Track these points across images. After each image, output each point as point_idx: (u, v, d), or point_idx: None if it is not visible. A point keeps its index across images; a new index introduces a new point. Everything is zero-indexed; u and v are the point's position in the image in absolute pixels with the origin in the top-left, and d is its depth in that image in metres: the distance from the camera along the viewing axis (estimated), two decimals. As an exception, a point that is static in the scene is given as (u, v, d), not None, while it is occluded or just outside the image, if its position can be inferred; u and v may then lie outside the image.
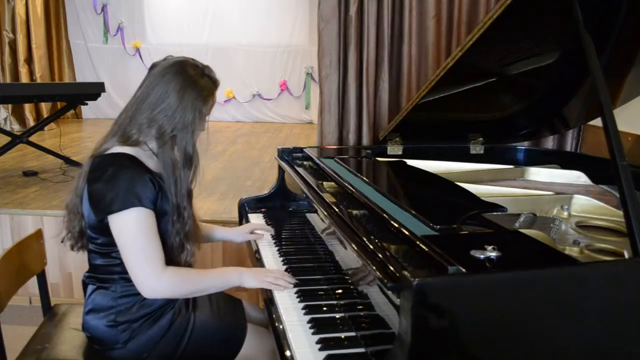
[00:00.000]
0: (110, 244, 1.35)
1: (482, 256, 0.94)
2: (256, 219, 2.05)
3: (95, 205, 1.32)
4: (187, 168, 1.39)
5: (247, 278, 1.42)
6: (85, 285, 1.45)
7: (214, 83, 1.44)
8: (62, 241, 1.47)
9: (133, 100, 1.41)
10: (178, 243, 1.39)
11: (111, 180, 1.29)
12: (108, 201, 1.28)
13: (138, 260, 1.29)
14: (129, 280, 1.34)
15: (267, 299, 1.41)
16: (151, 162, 1.39)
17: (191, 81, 1.37)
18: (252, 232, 1.80)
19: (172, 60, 1.41)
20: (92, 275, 1.42)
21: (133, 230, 1.29)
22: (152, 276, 1.30)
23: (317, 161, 1.91)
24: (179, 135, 1.37)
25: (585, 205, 1.62)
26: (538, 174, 2.01)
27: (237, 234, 1.80)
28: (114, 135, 1.40)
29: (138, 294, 1.34)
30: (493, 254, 0.94)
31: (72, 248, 1.47)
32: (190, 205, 1.44)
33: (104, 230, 1.33)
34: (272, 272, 1.45)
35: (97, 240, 1.38)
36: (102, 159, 1.36)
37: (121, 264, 1.34)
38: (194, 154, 1.40)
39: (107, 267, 1.39)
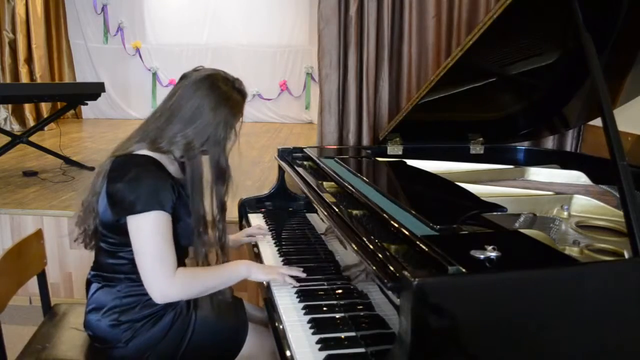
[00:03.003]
0: (121, 244, 1.35)
1: (482, 256, 0.94)
2: (256, 219, 2.05)
3: (115, 204, 1.32)
4: (221, 182, 1.42)
5: (256, 271, 1.43)
6: (89, 284, 1.45)
7: (243, 97, 1.45)
8: (75, 240, 1.48)
9: (163, 109, 1.40)
10: (204, 254, 1.41)
11: (134, 181, 1.30)
12: (130, 202, 1.28)
13: (153, 263, 1.29)
14: (134, 280, 1.34)
15: (267, 299, 1.41)
16: (172, 168, 1.42)
17: (224, 97, 1.37)
18: (247, 236, 1.81)
19: (204, 73, 1.40)
20: (98, 274, 1.42)
21: (151, 233, 1.29)
22: (163, 280, 1.30)
23: (317, 161, 1.91)
24: (210, 150, 1.38)
25: (585, 205, 1.62)
26: (538, 174, 2.01)
27: (233, 242, 1.73)
28: (141, 141, 1.40)
29: (142, 294, 1.35)
30: (493, 254, 0.94)
31: (85, 247, 1.48)
32: (224, 218, 1.45)
33: (118, 229, 1.34)
34: (280, 267, 1.48)
35: (108, 239, 1.39)
36: (126, 159, 1.36)
37: (128, 264, 1.35)
38: (227, 168, 1.42)
39: (114, 267, 1.39)
